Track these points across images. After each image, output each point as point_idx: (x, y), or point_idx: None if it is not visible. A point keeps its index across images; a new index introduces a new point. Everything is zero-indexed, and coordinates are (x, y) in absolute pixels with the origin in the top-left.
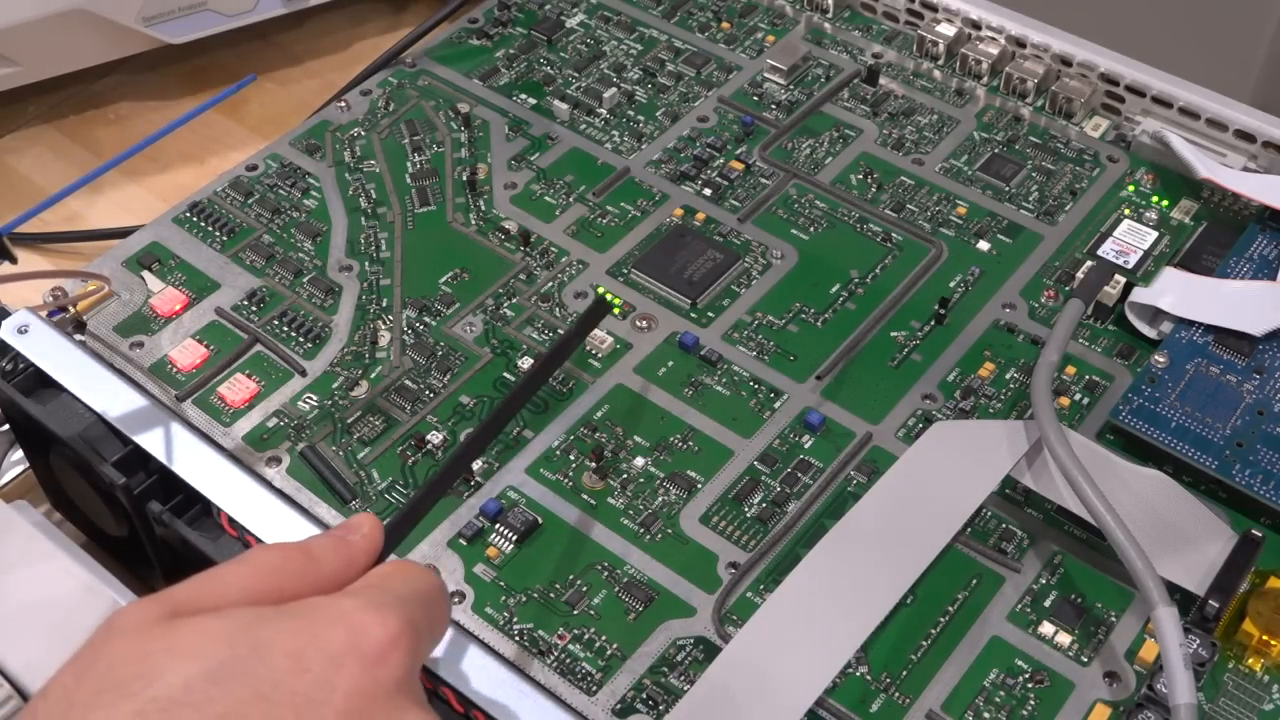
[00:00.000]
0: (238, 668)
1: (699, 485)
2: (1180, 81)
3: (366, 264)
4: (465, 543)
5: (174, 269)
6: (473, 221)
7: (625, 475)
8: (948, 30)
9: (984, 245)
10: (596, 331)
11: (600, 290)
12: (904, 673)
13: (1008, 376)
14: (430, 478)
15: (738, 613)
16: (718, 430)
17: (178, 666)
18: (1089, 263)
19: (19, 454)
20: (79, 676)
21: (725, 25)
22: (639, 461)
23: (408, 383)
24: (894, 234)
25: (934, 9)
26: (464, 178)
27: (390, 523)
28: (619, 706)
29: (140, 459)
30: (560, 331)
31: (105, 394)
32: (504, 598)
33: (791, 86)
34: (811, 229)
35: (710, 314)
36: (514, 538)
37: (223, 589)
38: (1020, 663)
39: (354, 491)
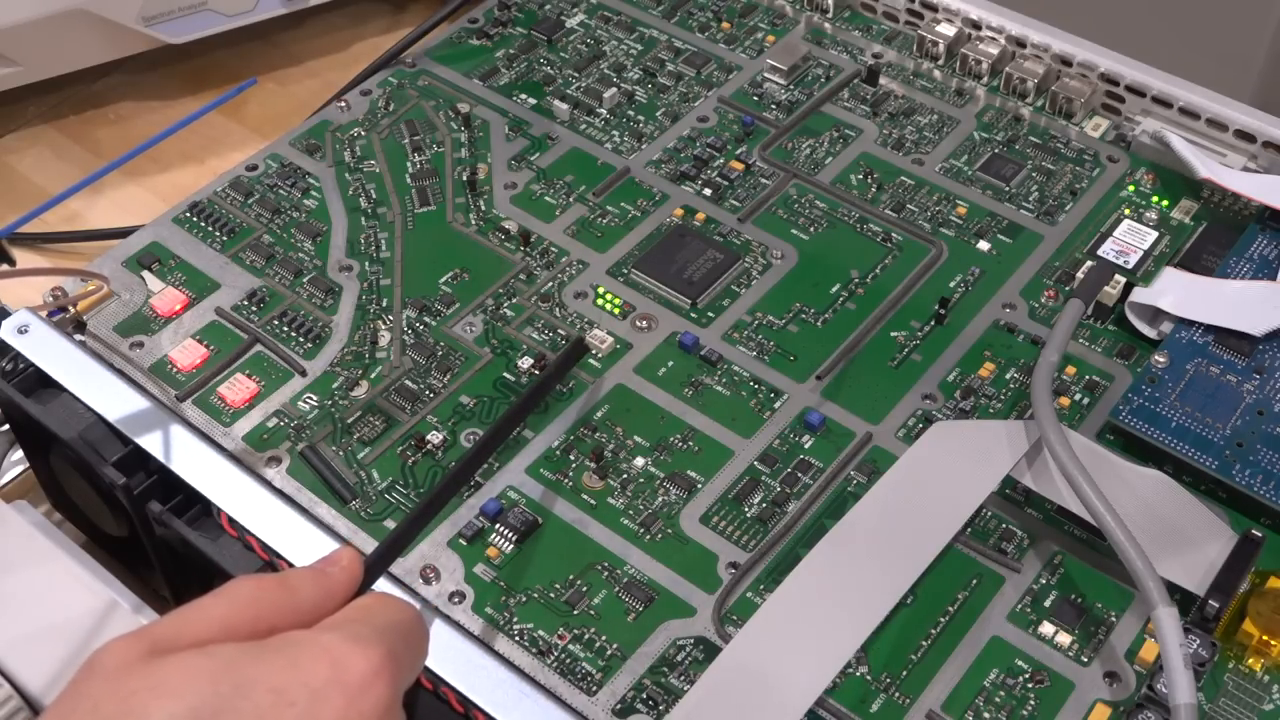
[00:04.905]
0: (221, 705)
1: (699, 485)
2: (1180, 81)
3: (366, 264)
4: (465, 543)
5: (174, 269)
6: (473, 221)
7: (625, 475)
8: (948, 30)
9: (984, 245)
10: (597, 331)
11: (597, 293)
12: (904, 673)
13: (1008, 376)
14: (408, 515)
15: (738, 613)
16: (718, 430)
17: (162, 705)
18: (1089, 263)
19: (19, 454)
20: (64, 718)
21: (725, 25)
22: (639, 461)
23: (408, 383)
24: (894, 234)
25: (934, 9)
26: (464, 178)
27: (370, 557)
28: (619, 706)
29: (140, 459)
30: (560, 332)
31: (105, 394)
32: (504, 598)
33: (791, 86)
34: (811, 229)
35: (710, 314)
36: (514, 538)
37: (203, 623)
38: (1020, 663)
39: (354, 492)
